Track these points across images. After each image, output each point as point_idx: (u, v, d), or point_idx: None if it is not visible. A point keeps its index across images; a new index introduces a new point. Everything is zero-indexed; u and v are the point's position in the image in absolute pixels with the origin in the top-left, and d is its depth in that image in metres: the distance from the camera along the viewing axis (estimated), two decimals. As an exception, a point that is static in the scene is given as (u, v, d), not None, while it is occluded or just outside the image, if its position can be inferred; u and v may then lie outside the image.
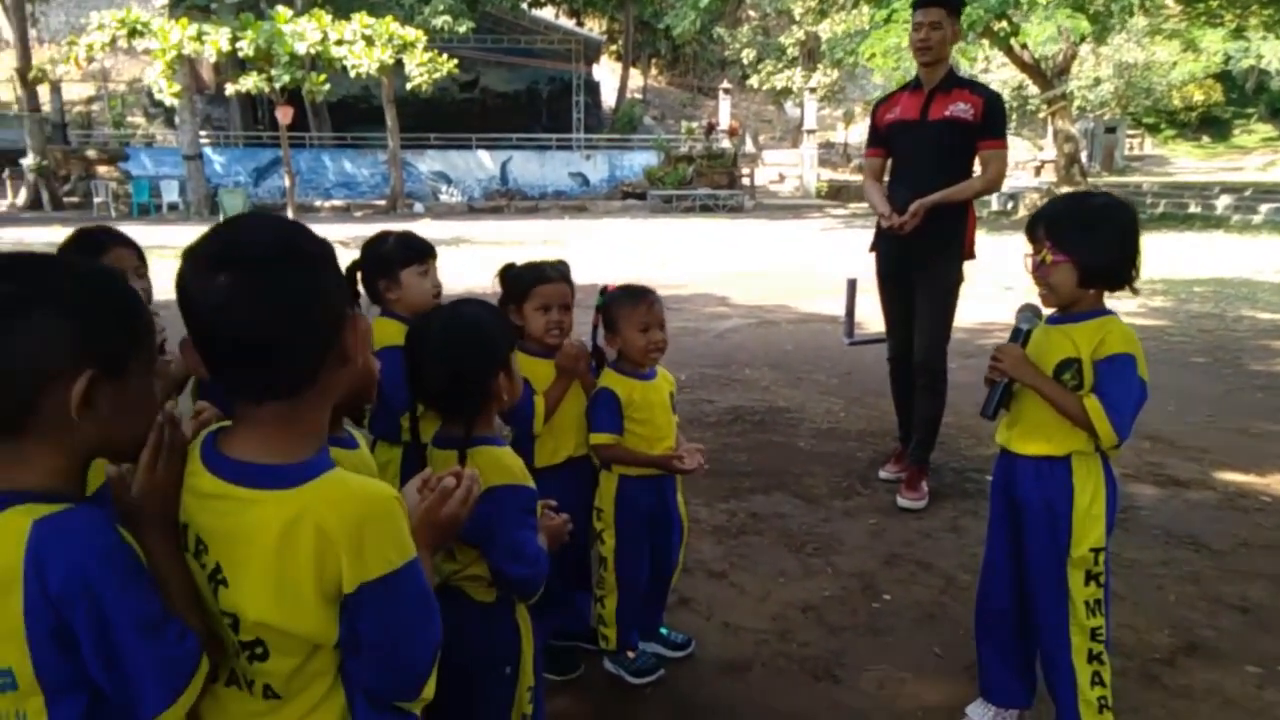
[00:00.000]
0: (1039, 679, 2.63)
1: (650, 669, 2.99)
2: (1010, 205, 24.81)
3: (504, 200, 28.62)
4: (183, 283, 1.20)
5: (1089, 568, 2.41)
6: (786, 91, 38.04)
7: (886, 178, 4.62)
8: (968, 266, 4.46)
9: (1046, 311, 2.50)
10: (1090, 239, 2.34)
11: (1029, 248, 2.44)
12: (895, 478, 4.64)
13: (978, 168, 4.43)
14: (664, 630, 3.16)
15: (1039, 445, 2.45)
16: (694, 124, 33.91)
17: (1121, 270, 2.36)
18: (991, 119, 4.29)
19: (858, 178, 32.90)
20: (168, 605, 1.20)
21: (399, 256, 2.85)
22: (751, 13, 40.39)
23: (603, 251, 15.82)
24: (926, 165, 4.34)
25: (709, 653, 3.14)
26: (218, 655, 1.26)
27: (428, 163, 29.88)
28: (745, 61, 39.24)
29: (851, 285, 8.43)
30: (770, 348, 8.20)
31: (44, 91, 29.96)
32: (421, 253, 2.92)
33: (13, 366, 1.14)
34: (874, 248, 4.67)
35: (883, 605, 3.45)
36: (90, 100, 35.10)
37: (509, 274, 2.83)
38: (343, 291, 1.27)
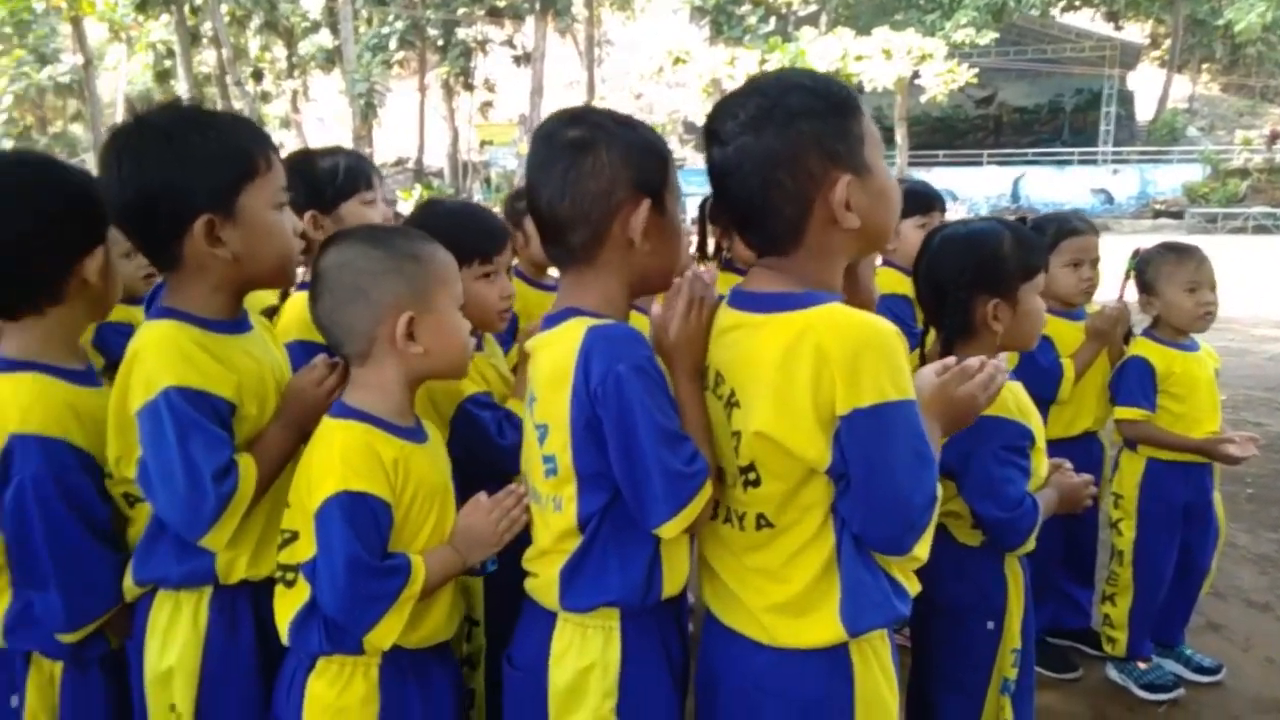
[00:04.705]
0: None
1: (1166, 686, 2.61)
2: None
3: (1012, 217, 27.15)
4: None
5: None
6: (1388, 92, 31.23)
7: None
8: None
9: None
10: None
11: None
12: None
13: None
14: (1186, 649, 2.75)
15: None
16: (1252, 134, 29.21)
17: None
18: None
19: None
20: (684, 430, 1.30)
21: (905, 205, 2.81)
22: (1345, -1, 33.79)
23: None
24: None
25: (1244, 686, 2.67)
26: (718, 493, 1.34)
27: (934, 179, 29.28)
28: (1331, 58, 32.96)
29: None
30: (1343, 378, 6.79)
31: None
32: (927, 206, 2.86)
33: (587, 199, 1.32)
34: None
35: None
36: (637, 128, 40.18)
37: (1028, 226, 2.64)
38: (826, 153, 1.22)
